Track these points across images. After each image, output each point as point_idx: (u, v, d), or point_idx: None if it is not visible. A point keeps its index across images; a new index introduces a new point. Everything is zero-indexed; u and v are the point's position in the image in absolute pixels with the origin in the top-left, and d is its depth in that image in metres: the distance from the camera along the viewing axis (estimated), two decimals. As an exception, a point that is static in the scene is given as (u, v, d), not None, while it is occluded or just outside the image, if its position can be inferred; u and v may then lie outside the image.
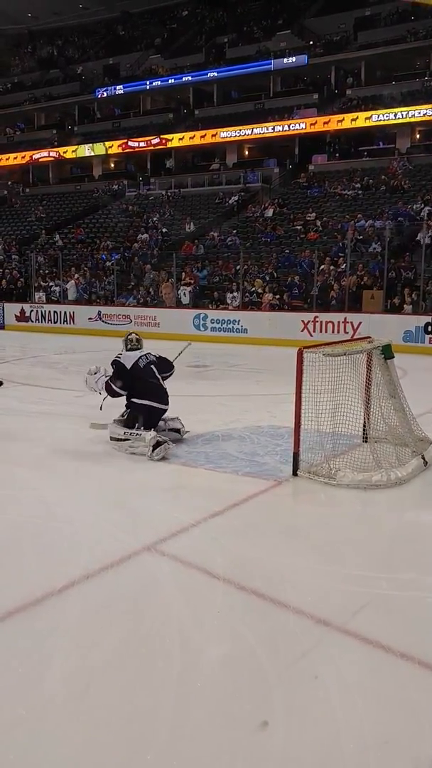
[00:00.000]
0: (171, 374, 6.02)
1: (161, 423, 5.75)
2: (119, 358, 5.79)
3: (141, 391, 5.65)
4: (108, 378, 5.76)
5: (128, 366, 5.69)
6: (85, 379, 5.95)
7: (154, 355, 5.92)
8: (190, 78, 33.22)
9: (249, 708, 2.24)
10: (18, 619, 2.81)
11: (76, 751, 2.05)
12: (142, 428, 5.48)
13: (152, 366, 5.78)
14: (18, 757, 2.03)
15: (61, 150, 35.07)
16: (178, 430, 5.83)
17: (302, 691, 2.35)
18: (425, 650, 2.57)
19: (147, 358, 5.80)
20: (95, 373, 5.87)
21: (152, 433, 5.40)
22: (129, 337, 6.02)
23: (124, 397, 5.75)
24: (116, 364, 5.75)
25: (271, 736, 2.11)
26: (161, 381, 5.77)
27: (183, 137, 31.25)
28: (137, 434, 5.45)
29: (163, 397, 5.72)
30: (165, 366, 5.95)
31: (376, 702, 2.28)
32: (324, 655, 2.57)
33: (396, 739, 2.12)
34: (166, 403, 5.75)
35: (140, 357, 5.77)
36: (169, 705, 2.25)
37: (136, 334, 6.09)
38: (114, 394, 5.73)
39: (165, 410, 5.76)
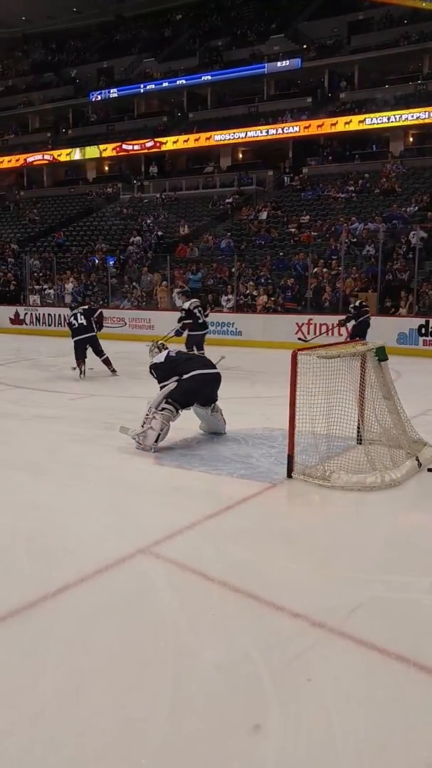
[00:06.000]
0: None
1: None
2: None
3: None
4: None
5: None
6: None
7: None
8: (184, 81, 33.24)
9: (244, 712, 2.23)
10: (12, 624, 2.79)
11: (70, 757, 2.04)
12: None
13: None
14: (12, 763, 2.01)
15: (55, 153, 35.01)
16: None
17: (298, 694, 2.34)
18: (421, 652, 2.57)
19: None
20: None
21: None
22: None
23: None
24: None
25: (267, 740, 2.10)
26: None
27: (177, 140, 31.26)
28: None
29: None
30: None
31: (372, 705, 2.28)
32: (319, 657, 2.57)
33: (392, 742, 2.12)
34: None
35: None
36: (163, 709, 2.24)
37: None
38: None
39: None
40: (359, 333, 12.11)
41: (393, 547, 3.80)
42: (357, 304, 12.59)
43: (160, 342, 6.35)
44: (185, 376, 5.71)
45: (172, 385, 5.69)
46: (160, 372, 5.92)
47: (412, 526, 4.14)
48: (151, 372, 6.04)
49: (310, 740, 2.11)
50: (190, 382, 5.70)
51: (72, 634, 2.72)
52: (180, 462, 5.28)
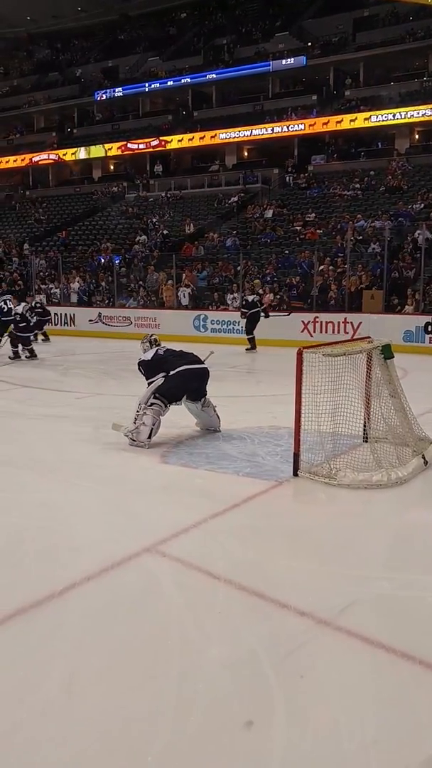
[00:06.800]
0: None
1: None
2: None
3: None
4: None
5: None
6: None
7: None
8: (188, 80, 33.21)
9: (250, 709, 2.23)
10: (19, 622, 2.80)
11: (76, 754, 2.05)
12: None
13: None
14: (18, 760, 2.02)
15: (60, 153, 35.08)
16: None
17: (303, 691, 2.34)
18: (426, 650, 2.57)
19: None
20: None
21: None
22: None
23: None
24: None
25: (272, 738, 2.10)
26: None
27: (182, 139, 31.26)
28: None
29: None
30: None
31: (377, 702, 2.28)
32: (325, 655, 2.57)
33: (397, 739, 2.11)
34: None
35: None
36: (169, 706, 2.25)
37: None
38: None
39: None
40: (252, 326, 13.83)
41: (399, 545, 3.80)
42: (251, 300, 14.03)
43: (153, 336, 6.39)
44: (172, 372, 5.80)
45: (159, 380, 5.79)
46: (147, 369, 5.99)
47: (418, 524, 4.14)
48: (139, 368, 6.09)
49: (316, 738, 2.11)
50: (176, 378, 5.79)
51: (78, 633, 2.73)
52: (186, 460, 5.28)
